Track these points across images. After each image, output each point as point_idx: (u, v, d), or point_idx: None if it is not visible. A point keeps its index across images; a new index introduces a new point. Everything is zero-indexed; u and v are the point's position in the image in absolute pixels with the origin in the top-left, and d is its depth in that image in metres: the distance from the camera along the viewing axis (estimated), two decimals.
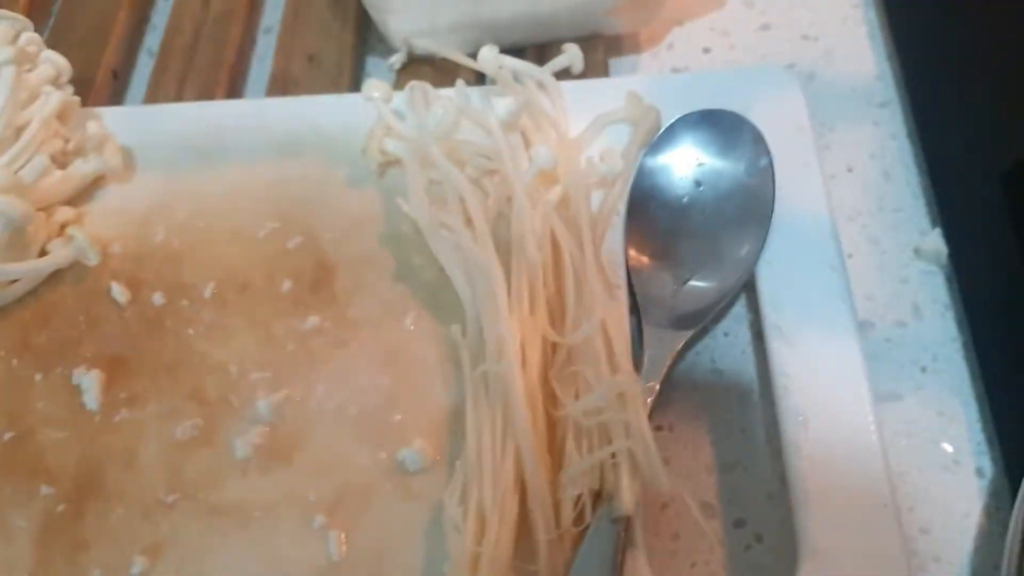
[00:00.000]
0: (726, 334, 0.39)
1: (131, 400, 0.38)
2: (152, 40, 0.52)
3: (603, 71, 0.46)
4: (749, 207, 0.38)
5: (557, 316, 0.35)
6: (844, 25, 0.48)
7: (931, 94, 0.44)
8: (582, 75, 0.45)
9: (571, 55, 0.44)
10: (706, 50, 0.48)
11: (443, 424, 0.35)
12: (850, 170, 0.43)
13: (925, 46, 0.45)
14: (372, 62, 0.50)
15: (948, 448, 0.36)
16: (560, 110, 0.42)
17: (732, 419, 0.37)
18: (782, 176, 0.39)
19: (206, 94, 0.48)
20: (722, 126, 0.39)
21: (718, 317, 0.39)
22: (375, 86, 0.42)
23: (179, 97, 0.48)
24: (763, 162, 0.38)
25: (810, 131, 0.40)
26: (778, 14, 0.49)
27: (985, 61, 0.43)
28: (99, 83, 0.49)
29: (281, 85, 0.48)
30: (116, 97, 0.50)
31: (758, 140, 0.38)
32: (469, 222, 0.37)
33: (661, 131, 0.40)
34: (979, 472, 0.36)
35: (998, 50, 0.44)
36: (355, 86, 0.47)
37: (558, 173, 0.39)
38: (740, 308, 0.39)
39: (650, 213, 0.38)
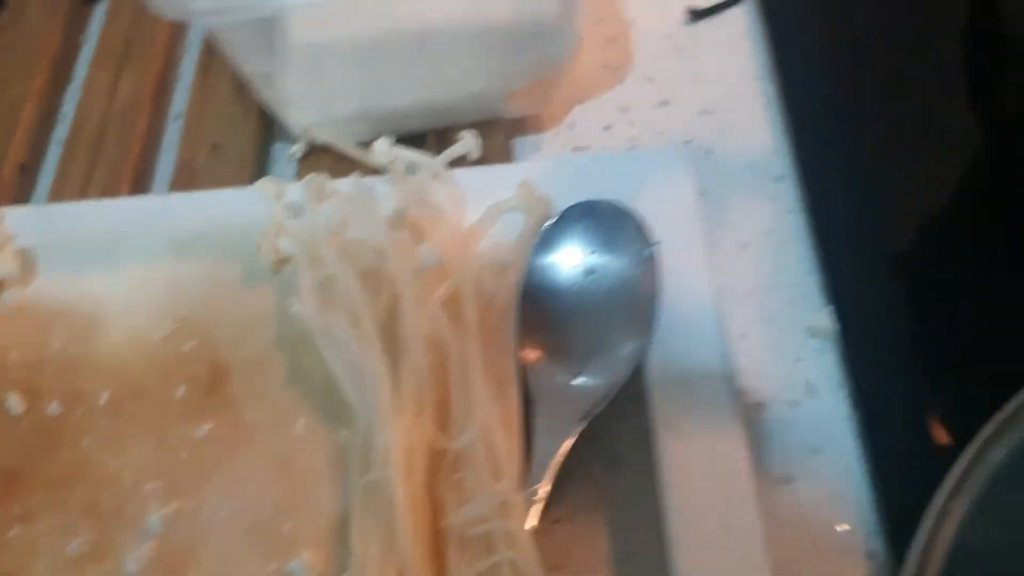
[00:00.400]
0: (621, 421, 0.39)
1: (24, 516, 0.37)
2: (62, 131, 0.52)
3: (505, 153, 0.47)
4: (636, 298, 0.38)
5: (446, 420, 0.36)
6: (742, 99, 0.49)
7: (821, 169, 0.45)
8: (483, 159, 0.46)
9: (466, 143, 0.45)
10: (607, 128, 0.49)
11: (332, 534, 0.35)
12: (745, 247, 0.44)
13: (815, 120, 0.46)
14: (280, 148, 0.50)
15: (839, 531, 0.37)
16: (455, 199, 0.42)
17: (629, 509, 0.37)
18: (671, 262, 0.39)
19: (112, 187, 0.48)
20: (606, 217, 0.39)
21: (612, 406, 0.39)
22: (267, 184, 0.42)
23: (85, 191, 0.48)
24: (647, 253, 0.38)
25: (699, 216, 0.41)
26: (677, 89, 0.50)
27: (871, 137, 0.44)
28: (6, 178, 0.49)
29: (185, 176, 0.48)
30: (24, 191, 0.50)
31: (642, 230, 0.39)
32: (358, 323, 0.37)
33: (551, 222, 0.40)
34: (870, 555, 0.36)
35: (884, 126, 0.45)
36: (260, 175, 0.47)
37: (450, 267, 0.39)
38: (636, 393, 0.40)
39: (540, 305, 0.39)
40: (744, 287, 0.43)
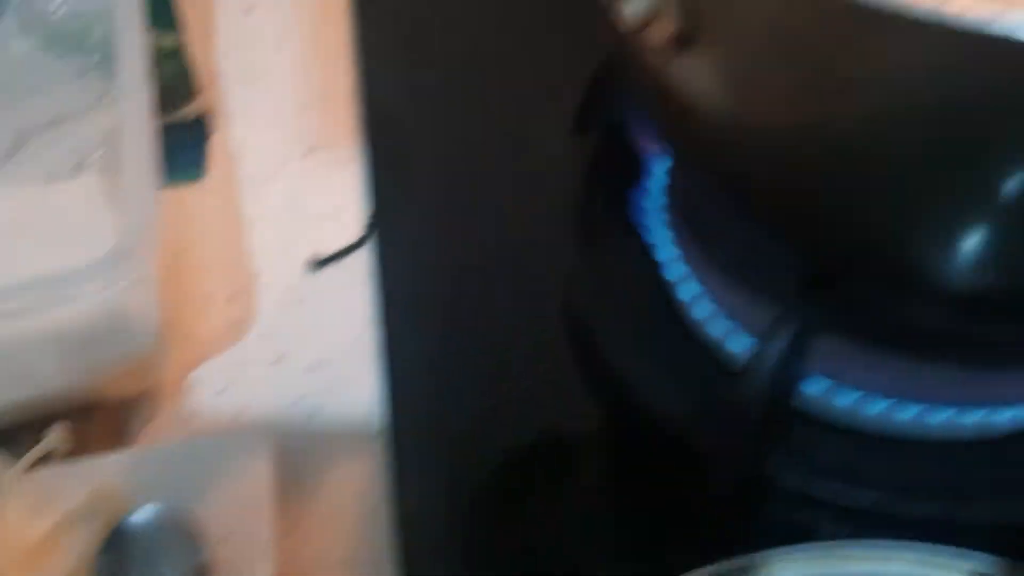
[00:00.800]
0: None
1: None
2: None
3: (110, 436, 0.47)
4: None
5: None
6: (353, 351, 0.50)
7: (412, 427, 0.46)
8: (84, 447, 0.46)
9: (50, 441, 0.45)
10: (222, 390, 0.50)
11: None
12: (333, 516, 0.45)
13: (413, 375, 0.48)
14: None
15: None
16: (26, 508, 0.42)
17: None
18: (233, 563, 0.40)
19: None
20: (160, 523, 0.40)
21: None
22: None
23: None
24: (197, 562, 0.39)
25: (270, 506, 0.42)
26: (291, 343, 0.51)
27: (461, 399, 0.46)
28: None
29: None
30: None
31: (194, 537, 0.40)
32: None
33: (104, 539, 0.40)
34: None
35: (478, 392, 0.46)
36: None
37: None
38: None
39: None
40: (327, 563, 0.44)
